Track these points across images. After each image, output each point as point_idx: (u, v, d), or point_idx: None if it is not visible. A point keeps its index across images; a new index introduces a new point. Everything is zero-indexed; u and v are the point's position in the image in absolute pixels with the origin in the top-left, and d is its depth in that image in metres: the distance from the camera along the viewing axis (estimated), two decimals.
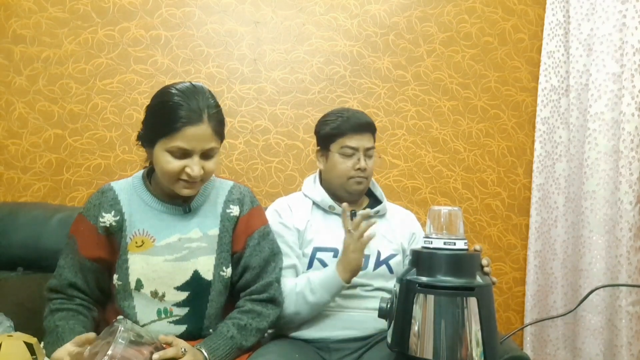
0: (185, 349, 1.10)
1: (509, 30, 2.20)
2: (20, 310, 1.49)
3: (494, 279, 1.23)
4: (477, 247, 1.26)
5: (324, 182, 1.55)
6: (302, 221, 1.48)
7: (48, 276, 1.28)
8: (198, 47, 2.04)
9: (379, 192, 1.60)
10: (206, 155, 1.19)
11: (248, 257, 1.31)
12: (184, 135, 1.14)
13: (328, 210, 1.51)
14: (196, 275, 1.25)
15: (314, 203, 1.52)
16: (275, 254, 1.36)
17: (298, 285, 1.36)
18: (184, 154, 1.16)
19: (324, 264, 1.42)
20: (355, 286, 1.40)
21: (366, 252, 1.43)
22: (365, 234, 1.31)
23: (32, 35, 1.97)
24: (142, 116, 2.08)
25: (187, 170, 1.16)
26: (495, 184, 2.19)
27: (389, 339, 1.18)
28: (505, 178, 2.20)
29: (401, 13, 2.15)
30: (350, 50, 2.12)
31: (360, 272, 1.40)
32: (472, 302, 1.09)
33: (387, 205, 1.57)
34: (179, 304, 1.25)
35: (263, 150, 2.07)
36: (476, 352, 1.08)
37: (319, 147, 1.54)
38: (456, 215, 1.21)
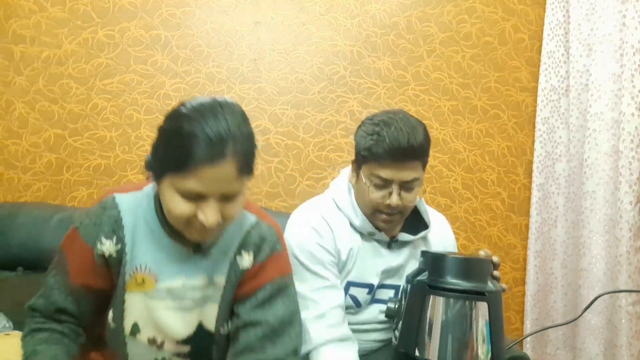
0: None
1: (509, 30, 2.20)
2: (20, 310, 1.47)
3: (504, 286, 1.18)
4: (484, 252, 1.22)
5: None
6: (345, 248, 1.24)
7: None
8: (198, 47, 2.04)
9: (423, 208, 1.34)
10: (227, 198, 0.92)
11: (255, 310, 1.05)
12: (199, 177, 0.87)
13: (366, 235, 1.28)
14: (200, 328, 1.06)
15: (351, 223, 1.28)
16: (293, 314, 1.08)
17: None
18: (197, 196, 0.90)
19: (356, 301, 1.27)
20: (373, 322, 1.31)
21: (397, 282, 1.30)
22: None
23: (32, 35, 1.97)
24: (142, 116, 2.08)
25: (200, 216, 0.91)
26: (495, 184, 2.19)
27: (395, 340, 1.18)
28: (505, 178, 2.20)
29: (401, 13, 2.14)
30: (350, 50, 2.12)
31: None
32: (483, 307, 1.08)
33: (431, 225, 1.34)
34: (179, 355, 1.07)
35: (263, 150, 2.07)
36: (483, 357, 1.08)
37: (355, 157, 1.28)
38: None
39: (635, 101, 1.84)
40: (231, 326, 1.08)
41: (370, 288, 1.28)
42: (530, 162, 2.18)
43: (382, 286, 1.30)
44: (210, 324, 1.06)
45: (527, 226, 2.18)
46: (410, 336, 1.11)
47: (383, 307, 1.29)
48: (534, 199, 2.13)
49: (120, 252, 1.02)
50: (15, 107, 1.96)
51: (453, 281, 1.09)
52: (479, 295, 1.08)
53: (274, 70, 2.08)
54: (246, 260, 1.06)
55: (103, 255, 1.02)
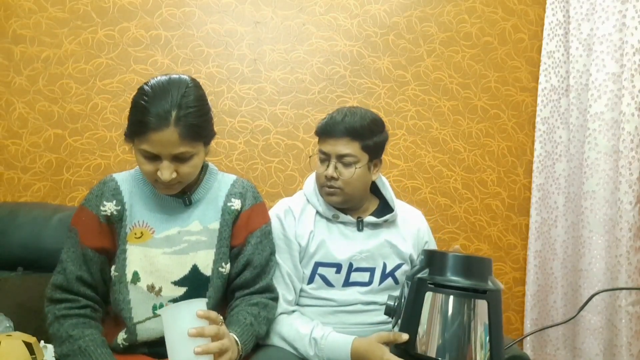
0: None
1: (509, 30, 2.20)
2: (20, 310, 1.49)
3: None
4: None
5: None
6: (305, 234, 1.38)
7: (48, 276, 1.26)
8: (198, 47, 2.04)
9: (389, 195, 1.48)
10: (178, 159, 1.14)
11: (250, 255, 1.29)
12: (150, 141, 1.10)
13: (332, 220, 1.42)
14: (195, 270, 1.23)
15: (317, 211, 1.43)
16: (273, 253, 1.36)
17: (305, 328, 1.30)
18: (154, 157, 1.13)
19: (326, 280, 1.38)
20: (356, 303, 1.37)
21: (371, 264, 1.39)
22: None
23: (32, 35, 1.97)
24: None
25: (158, 174, 1.14)
26: (495, 184, 2.19)
27: None
28: (505, 178, 2.20)
29: (401, 13, 2.14)
30: (350, 50, 2.12)
31: (364, 289, 1.38)
32: (482, 305, 1.09)
33: (398, 209, 1.46)
34: (175, 300, 1.22)
35: (263, 150, 2.07)
36: (482, 354, 1.08)
37: None
38: None
39: (635, 101, 1.84)
40: (229, 267, 1.28)
41: (338, 268, 1.37)
42: (530, 162, 2.18)
43: (356, 269, 1.38)
44: (206, 268, 1.24)
45: (527, 226, 2.18)
46: (410, 333, 1.12)
47: (361, 289, 1.38)
48: (534, 199, 2.13)
49: (121, 211, 1.23)
50: (15, 107, 1.96)
51: (454, 278, 1.10)
52: (480, 293, 1.09)
53: (274, 70, 2.08)
54: (236, 204, 1.30)
55: (107, 216, 1.22)
